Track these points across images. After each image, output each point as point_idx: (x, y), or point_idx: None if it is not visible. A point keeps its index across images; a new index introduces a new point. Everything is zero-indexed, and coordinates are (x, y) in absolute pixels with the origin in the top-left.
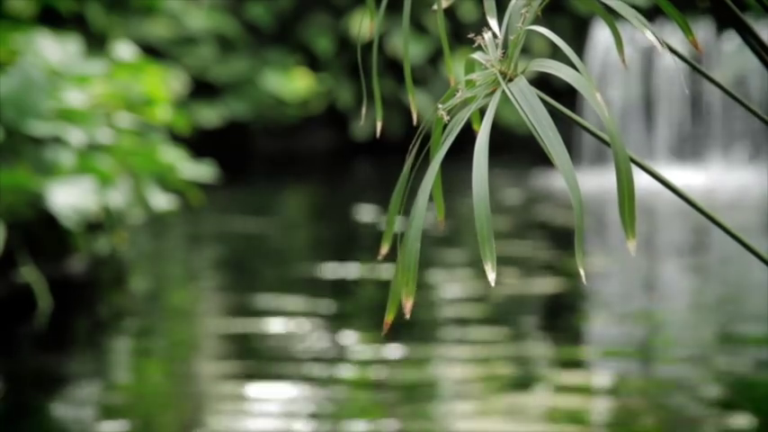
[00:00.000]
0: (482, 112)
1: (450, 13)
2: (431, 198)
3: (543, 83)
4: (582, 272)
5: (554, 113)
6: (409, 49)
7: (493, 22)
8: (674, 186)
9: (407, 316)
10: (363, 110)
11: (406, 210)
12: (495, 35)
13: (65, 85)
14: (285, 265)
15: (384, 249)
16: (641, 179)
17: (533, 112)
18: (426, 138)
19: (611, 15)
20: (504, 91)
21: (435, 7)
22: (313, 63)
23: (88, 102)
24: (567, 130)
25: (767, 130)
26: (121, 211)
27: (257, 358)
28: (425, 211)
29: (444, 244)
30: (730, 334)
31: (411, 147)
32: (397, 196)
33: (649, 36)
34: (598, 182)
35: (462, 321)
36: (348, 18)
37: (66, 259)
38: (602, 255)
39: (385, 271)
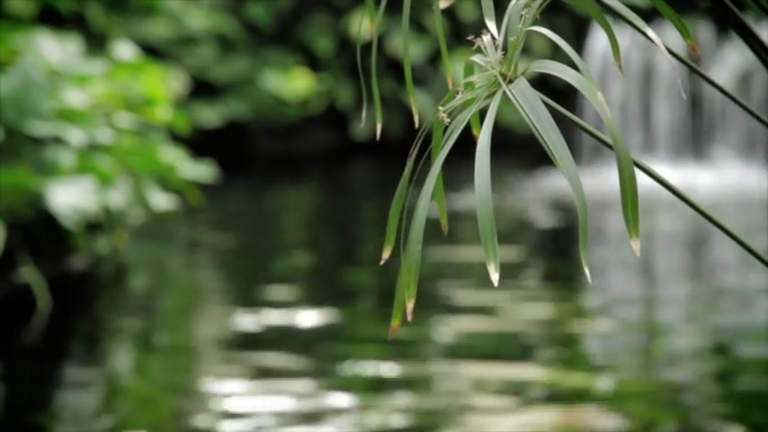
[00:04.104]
0: (482, 114)
1: (449, 12)
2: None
3: (541, 82)
4: (587, 271)
5: (554, 113)
6: (409, 50)
7: (491, 24)
8: (673, 187)
9: (410, 319)
10: (364, 112)
11: (408, 213)
12: (494, 37)
13: (65, 85)
14: (283, 264)
15: (386, 254)
16: (641, 178)
17: (535, 114)
18: (426, 139)
19: (609, 17)
20: (504, 92)
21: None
22: (313, 63)
23: (88, 102)
24: (567, 128)
25: (764, 130)
26: (121, 211)
27: (258, 357)
28: (426, 213)
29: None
30: (730, 335)
31: (411, 150)
32: (398, 200)
33: (651, 35)
34: (597, 181)
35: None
36: (348, 18)
37: (66, 259)
38: (602, 252)
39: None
